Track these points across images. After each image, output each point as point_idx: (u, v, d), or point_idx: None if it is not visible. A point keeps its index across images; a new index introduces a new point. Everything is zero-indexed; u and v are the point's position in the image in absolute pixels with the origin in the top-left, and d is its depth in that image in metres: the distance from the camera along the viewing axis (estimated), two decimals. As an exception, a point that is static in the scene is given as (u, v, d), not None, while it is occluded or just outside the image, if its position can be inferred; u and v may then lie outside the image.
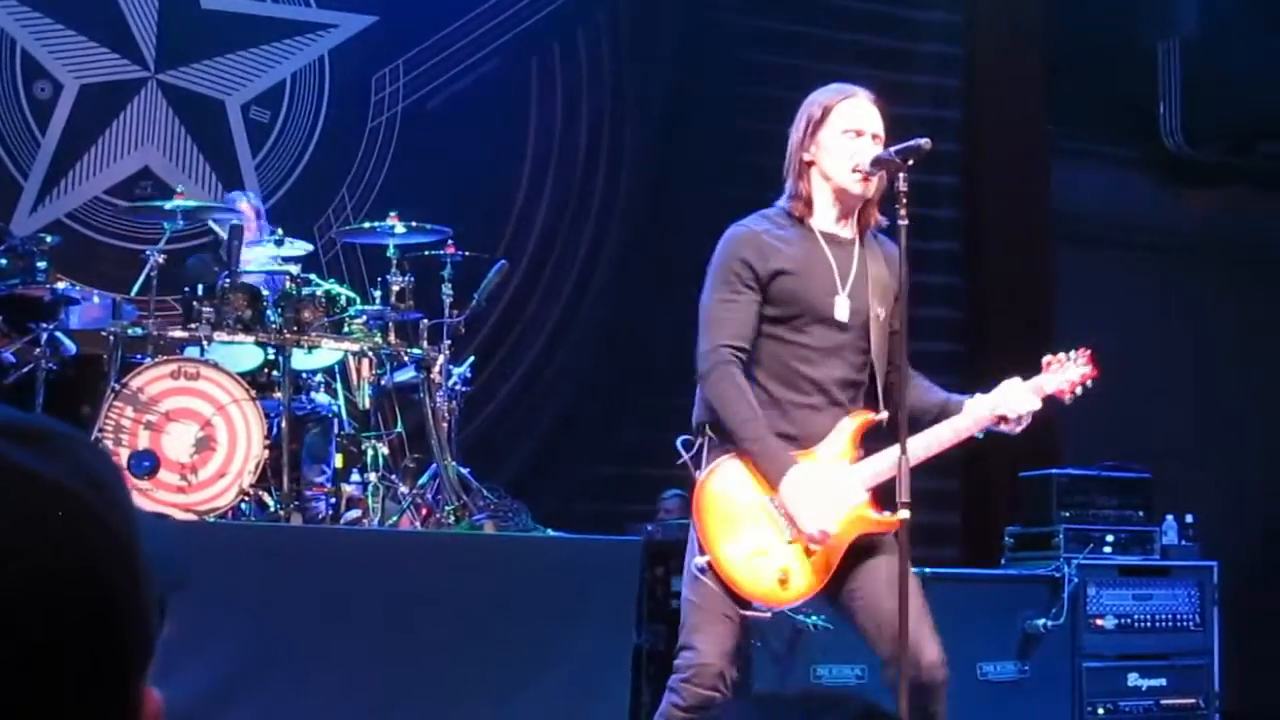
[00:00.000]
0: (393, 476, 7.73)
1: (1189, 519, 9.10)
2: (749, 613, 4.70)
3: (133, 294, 7.71)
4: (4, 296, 7.20)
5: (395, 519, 7.50)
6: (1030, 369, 4.99)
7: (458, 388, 8.07)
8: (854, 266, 4.80)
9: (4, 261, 7.26)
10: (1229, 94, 11.43)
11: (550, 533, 7.58)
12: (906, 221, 4.66)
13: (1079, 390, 4.96)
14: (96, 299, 7.59)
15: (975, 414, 4.82)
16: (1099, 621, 8.19)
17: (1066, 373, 4.95)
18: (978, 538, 10.20)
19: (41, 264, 7.24)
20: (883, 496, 4.81)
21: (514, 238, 10.19)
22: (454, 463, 7.69)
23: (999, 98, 11.39)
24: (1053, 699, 7.96)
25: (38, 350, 7.08)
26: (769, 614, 4.82)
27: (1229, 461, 11.08)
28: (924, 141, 4.64)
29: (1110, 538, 8.55)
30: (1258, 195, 11.74)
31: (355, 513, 7.63)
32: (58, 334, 7.25)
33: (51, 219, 9.34)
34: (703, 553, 4.68)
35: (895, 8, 11.27)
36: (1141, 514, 8.78)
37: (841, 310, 4.73)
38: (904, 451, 4.57)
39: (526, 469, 9.75)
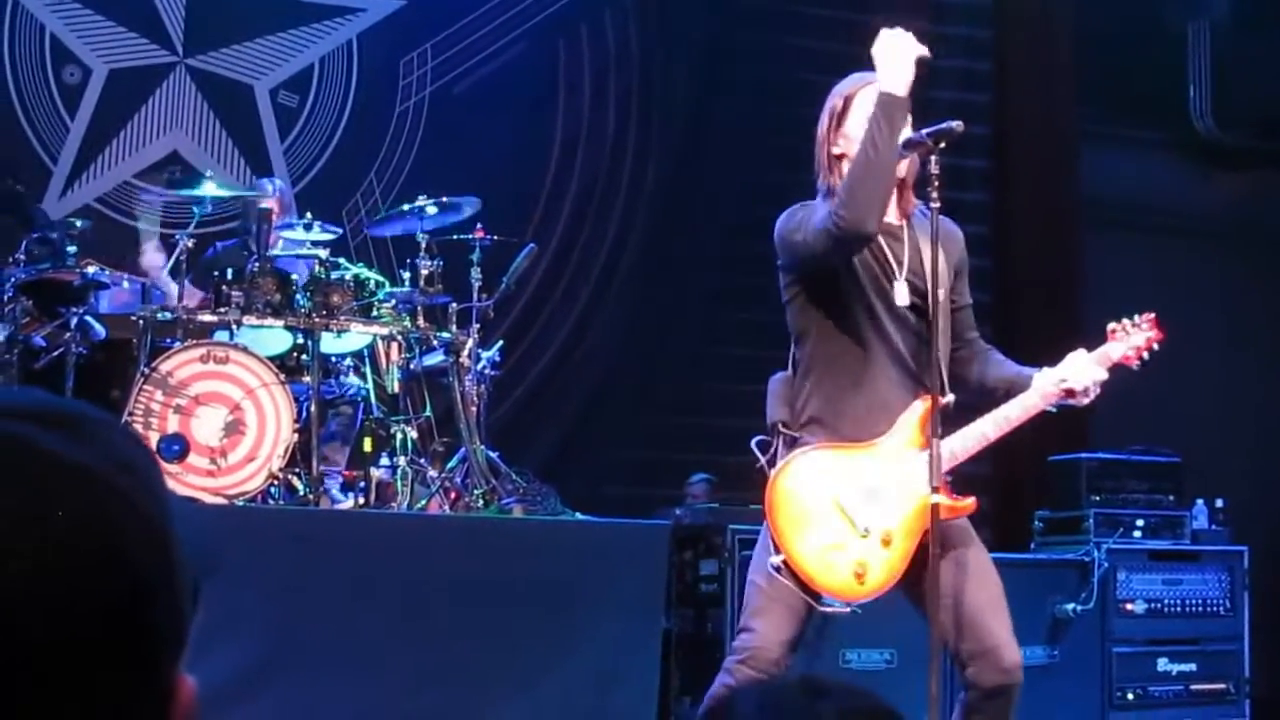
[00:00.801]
0: (421, 460, 7.73)
1: (1219, 504, 9.07)
2: (827, 608, 4.67)
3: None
4: (34, 281, 7.22)
5: (424, 503, 7.50)
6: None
7: (486, 371, 8.07)
8: (907, 250, 4.77)
9: (34, 246, 7.28)
10: (1259, 77, 11.38)
11: (579, 516, 7.58)
12: (938, 204, 4.64)
13: (1145, 355, 4.92)
14: (126, 283, 7.60)
15: (1042, 389, 4.77)
16: (1129, 606, 8.17)
17: (1132, 339, 4.90)
18: (1007, 522, 10.16)
19: (71, 248, 7.26)
20: (956, 481, 4.77)
21: (542, 221, 10.19)
22: (483, 446, 7.69)
23: (1028, 81, 11.35)
24: (1082, 684, 7.95)
25: (67, 334, 7.09)
26: (848, 609, 4.78)
27: (1259, 446, 11.04)
28: (956, 124, 4.60)
29: (1140, 522, 8.53)
30: (1288, 178, 11.70)
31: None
32: (87, 318, 7.26)
33: (81, 203, 9.36)
34: (777, 551, 4.64)
35: (925, -11, 11.24)
36: (1172, 498, 8.75)
37: (901, 295, 4.70)
38: (937, 436, 4.54)
39: (555, 453, 9.76)
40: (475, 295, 7.99)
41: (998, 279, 11.13)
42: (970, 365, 4.88)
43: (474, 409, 7.79)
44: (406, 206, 8.00)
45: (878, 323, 4.71)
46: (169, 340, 7.17)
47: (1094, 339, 5.01)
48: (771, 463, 4.74)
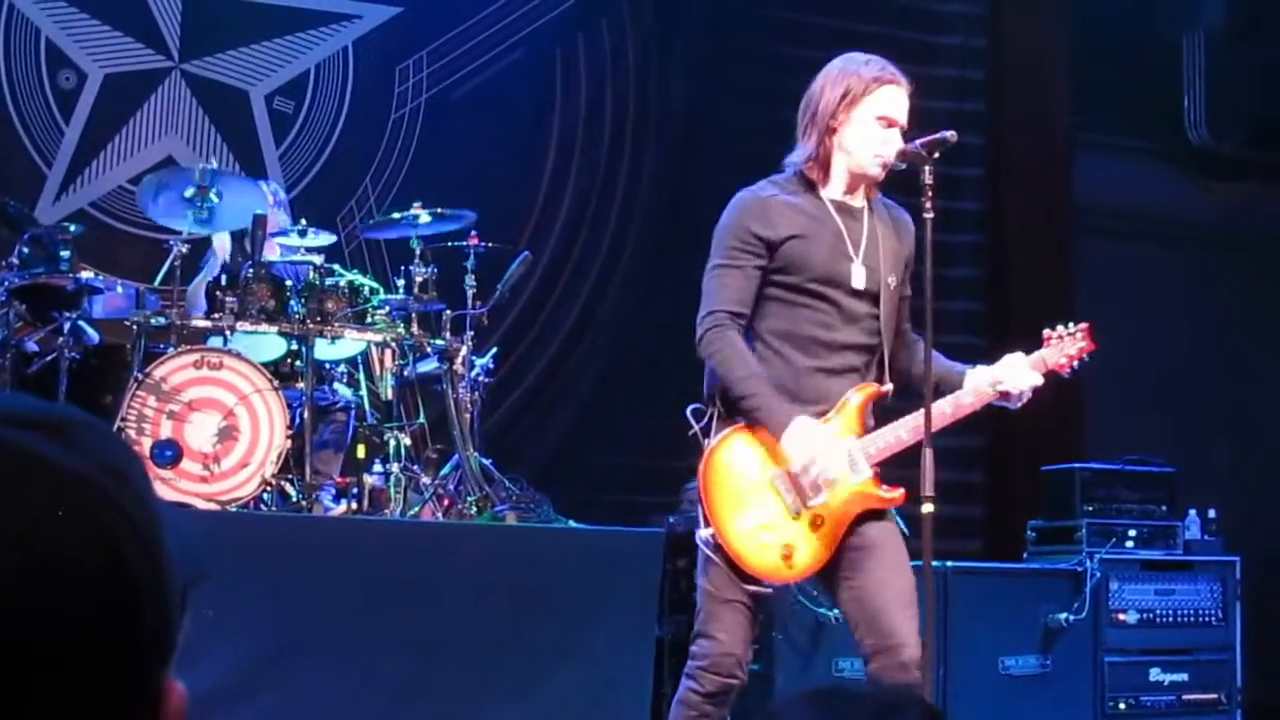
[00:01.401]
0: (415, 467, 7.73)
1: (1212, 514, 9.08)
2: (752, 587, 4.71)
3: (156, 283, 7.73)
4: (27, 285, 7.21)
5: (417, 510, 7.50)
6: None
7: (480, 379, 8.07)
8: (865, 234, 4.80)
9: (28, 250, 7.28)
10: (1253, 87, 11.40)
11: (572, 524, 7.57)
12: (932, 214, 4.66)
13: (1076, 364, 5.00)
14: (120, 288, 7.59)
15: (977, 388, 4.83)
16: (1121, 616, 8.18)
17: (1065, 347, 4.98)
18: (1000, 532, 10.18)
19: (65, 253, 7.25)
20: (886, 471, 4.80)
21: (538, 228, 10.18)
22: (476, 454, 7.69)
23: (1022, 90, 11.36)
24: (1074, 693, 7.95)
25: (61, 339, 7.08)
26: (771, 589, 4.83)
27: (1252, 456, 11.05)
28: (950, 134, 4.63)
29: (1133, 532, 8.53)
30: (1282, 188, 11.71)
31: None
32: (81, 323, 7.25)
33: (75, 208, 9.34)
34: (707, 524, 4.68)
35: (919, 0, 11.25)
36: (1164, 508, 8.76)
37: (858, 278, 4.73)
38: (928, 444, 4.56)
39: (549, 460, 9.74)
40: (469, 302, 8.00)
41: (992, 288, 11.14)
42: (901, 355, 4.91)
43: (468, 416, 7.79)
44: (398, 214, 8.01)
45: (824, 304, 4.73)
46: (162, 346, 7.16)
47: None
48: (705, 431, 4.77)
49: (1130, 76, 11.40)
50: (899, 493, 4.67)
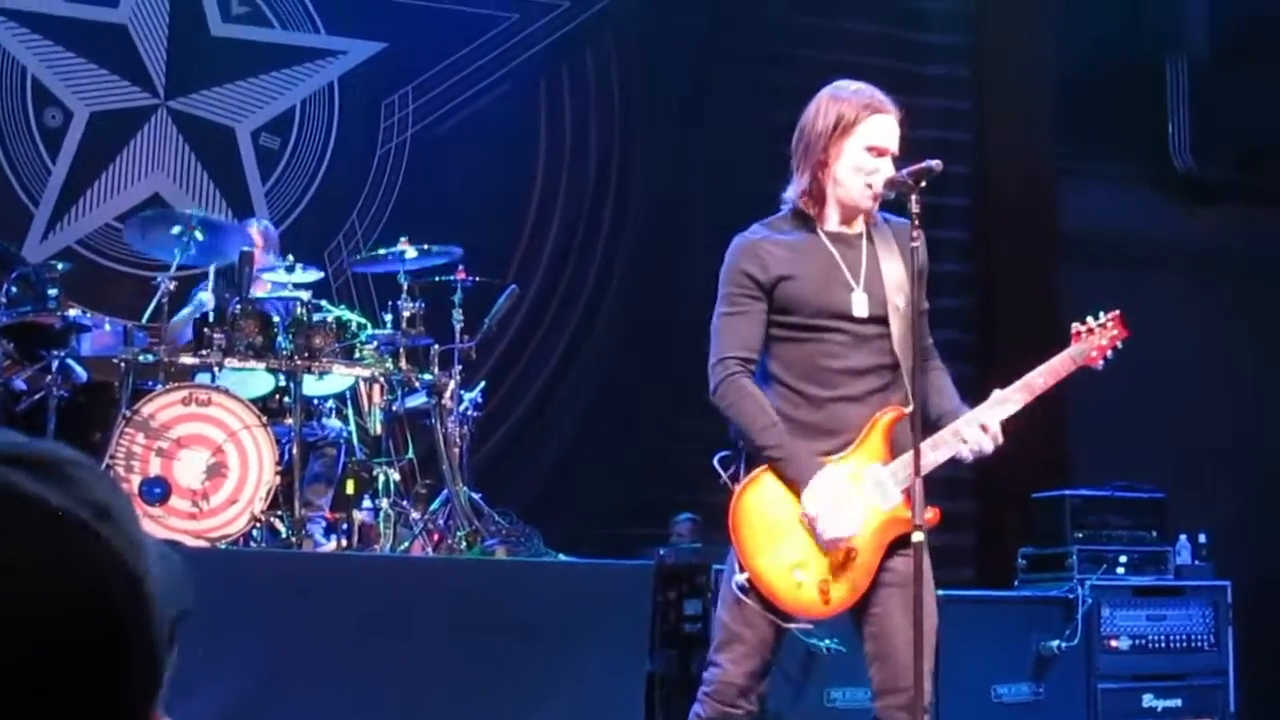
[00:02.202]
0: (404, 502, 7.72)
1: (1202, 539, 9.08)
2: (792, 625, 4.69)
3: (144, 321, 7.72)
4: (15, 324, 7.20)
5: (407, 545, 7.49)
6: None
7: (469, 413, 8.07)
8: (864, 261, 4.79)
9: (15, 289, 7.27)
10: (1237, 112, 11.43)
11: (562, 557, 7.56)
12: (920, 243, 4.66)
13: (1109, 355, 4.96)
14: (107, 326, 7.58)
15: (957, 435, 4.78)
16: (1113, 642, 8.18)
17: (1096, 339, 4.95)
18: (991, 559, 10.18)
19: (52, 291, 7.25)
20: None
21: (524, 261, 10.19)
22: (465, 488, 7.68)
23: (1008, 119, 11.38)
24: (1068, 720, 7.95)
25: (49, 378, 7.07)
26: (812, 625, 4.81)
27: (1241, 480, 11.05)
28: (935, 163, 4.63)
29: (1124, 558, 8.54)
30: (1267, 213, 11.73)
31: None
32: (69, 361, 7.25)
33: (62, 246, 9.34)
34: (742, 569, 4.65)
35: (903, 31, 11.27)
36: (1155, 534, 8.76)
37: (860, 306, 4.72)
38: (918, 473, 4.54)
39: (538, 494, 9.73)
40: (457, 337, 7.99)
41: (979, 316, 11.14)
42: (921, 380, 4.89)
43: (456, 450, 7.78)
44: (383, 250, 8.04)
45: (831, 335, 4.72)
46: (150, 383, 7.16)
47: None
48: (735, 478, 4.75)
49: (1114, 104, 11.44)
50: (931, 514, 4.64)
